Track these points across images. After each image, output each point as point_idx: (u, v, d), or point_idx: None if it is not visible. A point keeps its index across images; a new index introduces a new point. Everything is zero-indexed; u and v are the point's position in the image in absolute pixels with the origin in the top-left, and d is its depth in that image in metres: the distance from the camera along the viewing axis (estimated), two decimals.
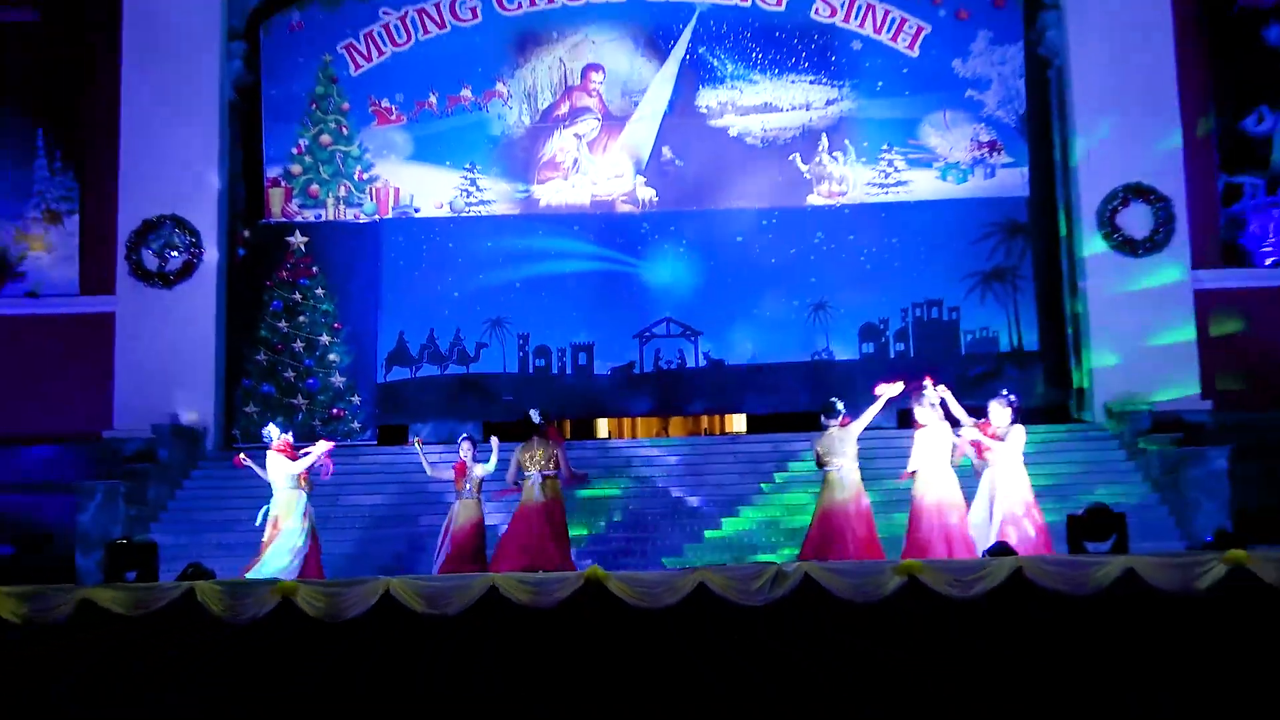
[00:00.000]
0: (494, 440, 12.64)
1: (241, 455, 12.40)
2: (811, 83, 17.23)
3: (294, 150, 17.27)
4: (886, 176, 17.11)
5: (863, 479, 11.55)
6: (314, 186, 17.25)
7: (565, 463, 12.57)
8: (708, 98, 17.30)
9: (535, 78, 17.43)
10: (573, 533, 12.97)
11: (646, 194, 17.30)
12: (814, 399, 15.51)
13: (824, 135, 17.16)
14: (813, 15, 17.22)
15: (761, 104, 17.25)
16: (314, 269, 16.86)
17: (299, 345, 16.64)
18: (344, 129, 17.28)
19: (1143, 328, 16.00)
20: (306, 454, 11.98)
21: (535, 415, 12.67)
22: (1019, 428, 11.29)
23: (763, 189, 17.19)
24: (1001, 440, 11.18)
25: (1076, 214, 16.63)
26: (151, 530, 14.15)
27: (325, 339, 16.74)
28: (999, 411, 11.31)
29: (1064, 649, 8.69)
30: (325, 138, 17.24)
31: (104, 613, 8.98)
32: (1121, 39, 16.37)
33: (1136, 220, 16.24)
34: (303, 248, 16.88)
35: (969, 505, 11.26)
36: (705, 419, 18.42)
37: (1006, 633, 8.75)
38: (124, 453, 15.61)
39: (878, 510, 11.86)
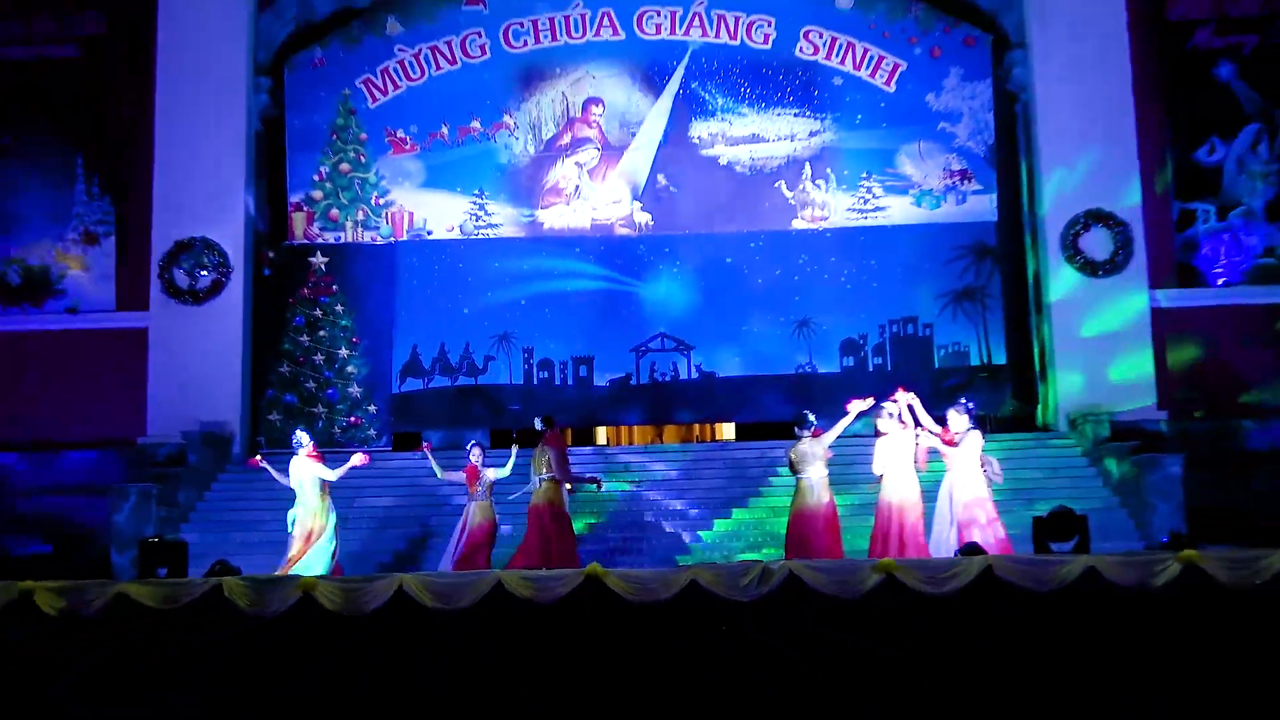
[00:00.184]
0: (514, 447, 12.61)
1: (258, 457, 12.37)
2: (796, 116, 17.26)
3: (315, 177, 17.29)
4: (865, 203, 17.13)
5: (845, 481, 11.57)
6: (334, 211, 17.26)
7: (558, 465, 12.40)
8: (700, 129, 17.33)
9: (539, 110, 17.46)
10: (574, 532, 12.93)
11: (643, 218, 17.31)
12: (798, 409, 15.42)
13: (807, 164, 17.19)
14: (797, 53, 17.26)
15: (750, 135, 17.28)
16: (334, 287, 16.85)
17: (319, 358, 16.62)
18: (362, 158, 17.30)
19: (1103, 343, 16.01)
20: (343, 464, 11.97)
21: (538, 423, 12.67)
22: (974, 433, 11.28)
23: (751, 214, 17.21)
24: (956, 445, 11.22)
25: (1041, 237, 16.65)
26: (181, 530, 14.11)
27: (344, 352, 16.72)
28: (956, 418, 11.35)
29: (1031, 642, 8.67)
30: (345, 166, 17.26)
31: (136, 605, 8.95)
32: (1083, 76, 16.41)
33: (1097, 243, 16.25)
34: (323, 268, 16.87)
35: (930, 506, 11.33)
36: (697, 427, 18.39)
37: (978, 627, 8.72)
38: (156, 457, 15.59)
39: (857, 511, 11.86)
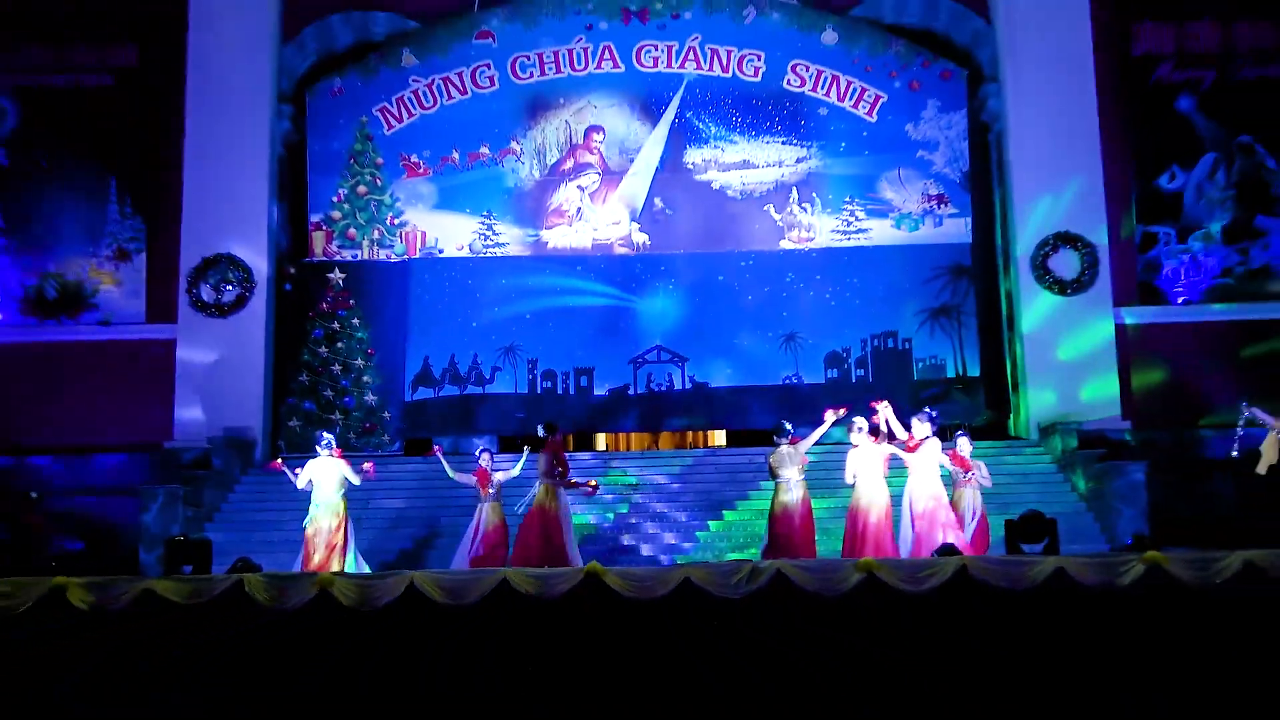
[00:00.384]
0: (525, 449, 12.54)
1: (279, 460, 12.30)
2: (784, 143, 17.25)
3: (334, 198, 17.25)
4: (848, 225, 17.11)
5: (826, 487, 11.63)
6: (351, 230, 17.22)
7: (549, 466, 12.14)
8: (694, 156, 17.32)
9: (544, 137, 17.44)
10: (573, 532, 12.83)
11: (641, 239, 17.28)
12: (786, 418, 15.43)
13: (794, 189, 17.17)
14: (785, 85, 17.27)
15: (740, 161, 17.26)
16: (351, 302, 16.79)
17: (337, 368, 16.55)
18: (378, 180, 17.26)
19: (1071, 357, 16.00)
20: (358, 470, 11.96)
21: (540, 429, 12.57)
22: (932, 440, 11.51)
23: (741, 235, 17.19)
24: (914, 452, 11.48)
25: (1013, 257, 16.65)
26: (206, 529, 14.03)
27: (360, 363, 16.65)
28: (918, 426, 11.63)
29: (1005, 638, 8.64)
30: (362, 188, 17.22)
31: (161, 601, 8.90)
32: (1053, 108, 16.43)
33: (1065, 264, 16.24)
34: (341, 283, 16.81)
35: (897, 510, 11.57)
36: (690, 434, 18.33)
37: (954, 623, 8.69)
38: (182, 461, 15.50)
39: (838, 514, 11.87)
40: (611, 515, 14.37)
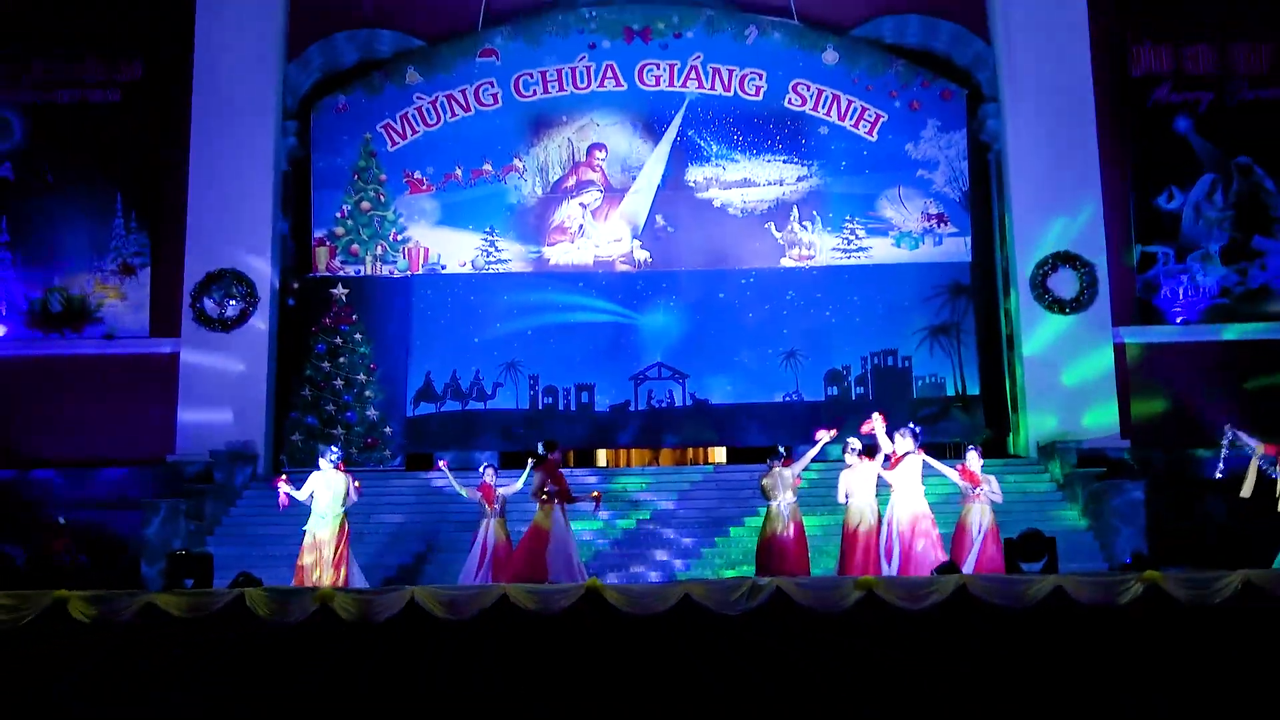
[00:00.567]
0: (529, 464, 12.48)
1: (283, 477, 12.23)
2: (785, 162, 17.28)
3: (338, 214, 17.27)
4: (849, 243, 17.13)
5: (823, 502, 11.67)
6: (355, 246, 17.23)
7: (540, 484, 12.04)
8: (695, 174, 17.35)
9: (547, 155, 17.47)
10: None
11: (642, 256, 17.30)
12: (786, 435, 15.51)
13: (795, 207, 17.19)
14: (786, 104, 17.31)
15: (742, 179, 17.29)
16: (353, 317, 16.80)
17: (339, 383, 16.55)
18: (381, 197, 17.29)
19: (1069, 376, 16.00)
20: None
21: (540, 446, 12.44)
22: (913, 456, 11.59)
23: (742, 253, 17.20)
24: (893, 469, 11.62)
25: (1012, 277, 16.66)
26: (207, 543, 14.01)
27: (362, 378, 16.65)
28: (900, 440, 11.73)
29: (1003, 655, 8.62)
30: (365, 204, 17.25)
31: (163, 614, 8.88)
32: (1052, 128, 16.46)
33: (1064, 283, 16.25)
34: (344, 299, 16.83)
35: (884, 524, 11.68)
36: (690, 451, 18.31)
37: (953, 641, 8.67)
38: (185, 475, 15.49)
39: (834, 531, 11.92)
40: (610, 532, 14.34)
